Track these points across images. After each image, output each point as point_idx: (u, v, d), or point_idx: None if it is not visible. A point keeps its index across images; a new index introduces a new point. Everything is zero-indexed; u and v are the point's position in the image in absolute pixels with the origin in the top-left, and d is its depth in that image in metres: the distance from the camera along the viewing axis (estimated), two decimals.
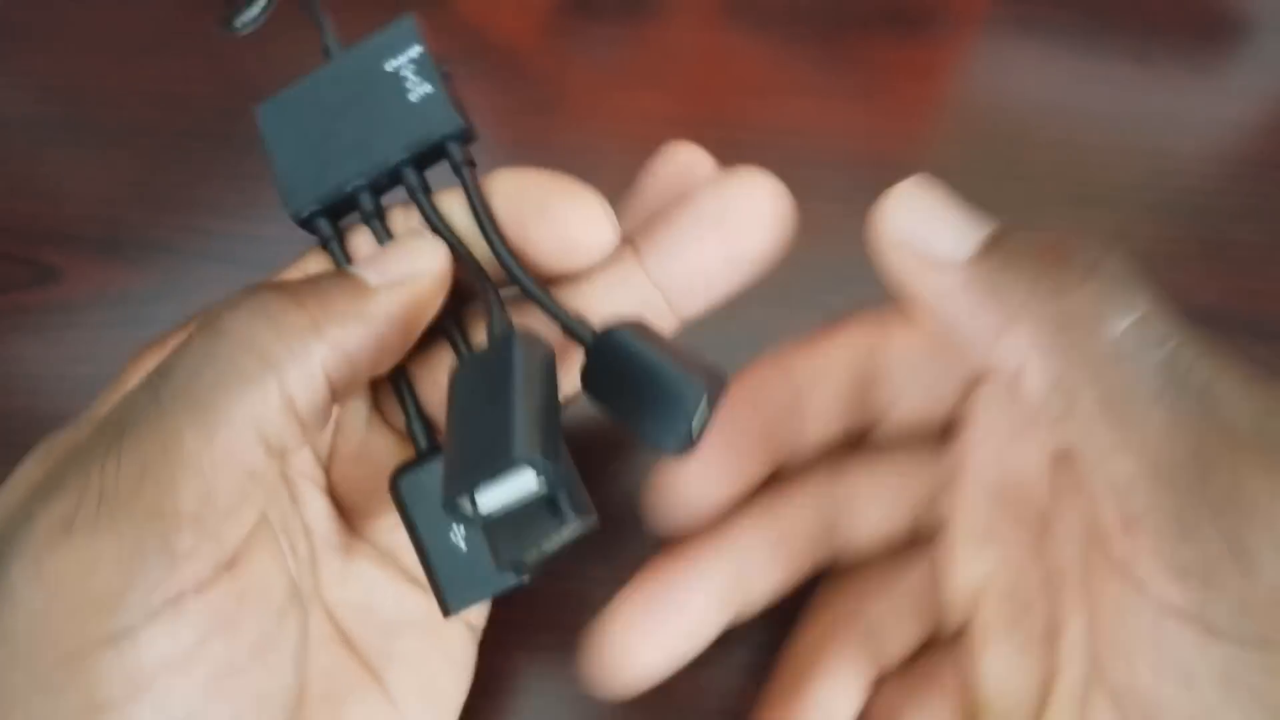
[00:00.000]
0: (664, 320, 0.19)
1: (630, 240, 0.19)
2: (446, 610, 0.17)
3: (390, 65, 0.19)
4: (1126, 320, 0.14)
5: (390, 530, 0.20)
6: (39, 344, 0.29)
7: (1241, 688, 0.13)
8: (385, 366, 0.17)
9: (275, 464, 0.16)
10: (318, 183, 0.18)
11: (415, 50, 0.19)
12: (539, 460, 0.14)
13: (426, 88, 0.18)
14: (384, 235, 0.19)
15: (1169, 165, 0.33)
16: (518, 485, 0.14)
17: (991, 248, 0.16)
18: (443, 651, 0.19)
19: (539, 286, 0.18)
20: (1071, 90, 0.36)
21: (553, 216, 0.18)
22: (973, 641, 0.18)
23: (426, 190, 0.19)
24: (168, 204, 0.32)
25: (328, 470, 0.20)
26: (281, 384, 0.15)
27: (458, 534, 0.17)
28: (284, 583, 0.17)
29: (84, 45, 0.37)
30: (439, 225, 0.18)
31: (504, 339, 0.16)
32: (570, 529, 0.15)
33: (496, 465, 0.14)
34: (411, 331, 0.17)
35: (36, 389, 0.28)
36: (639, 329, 0.17)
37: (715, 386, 0.16)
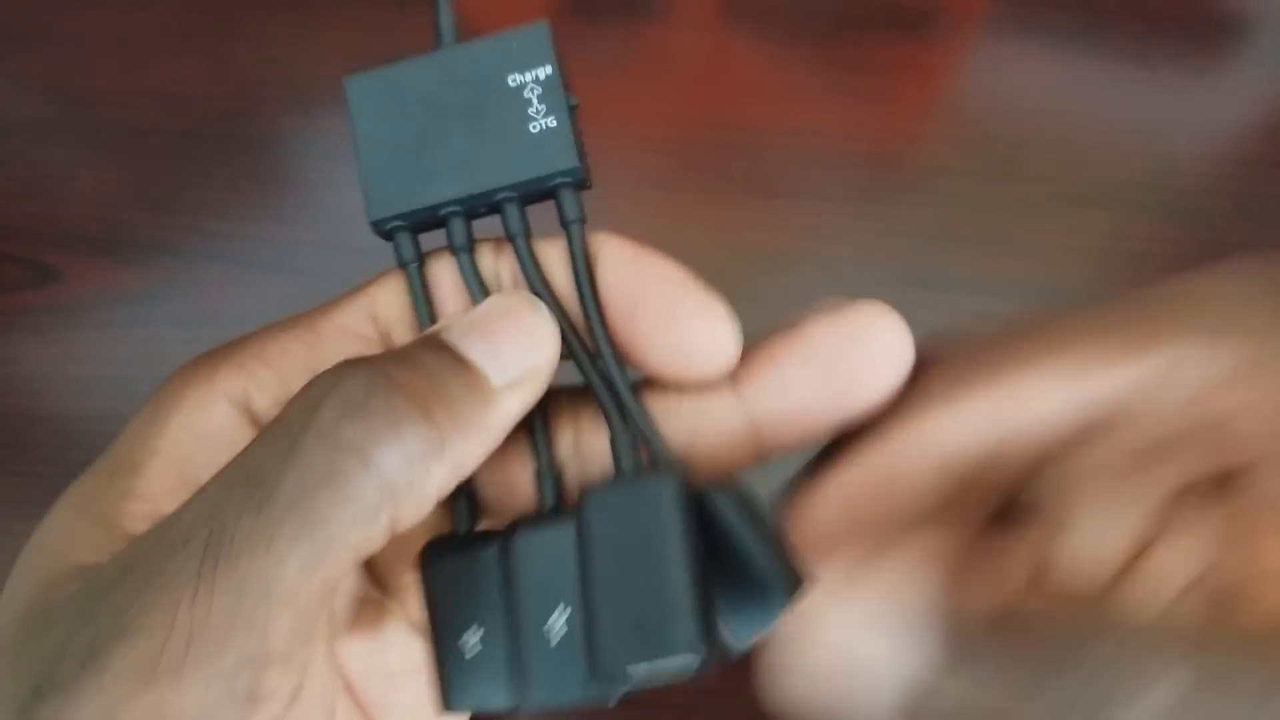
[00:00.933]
0: (744, 456, 0.17)
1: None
2: (446, 707, 0.16)
3: (514, 79, 0.17)
4: None
5: (401, 576, 0.19)
6: (39, 344, 0.29)
7: None
8: (475, 467, 0.16)
9: (356, 577, 0.15)
10: (407, 192, 0.17)
11: (545, 70, 0.17)
12: (702, 649, 0.13)
13: (551, 120, 0.16)
14: (471, 275, 0.17)
15: (1167, 165, 0.33)
16: (674, 664, 0.14)
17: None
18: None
19: (640, 403, 0.16)
20: (1070, 91, 0.36)
21: (673, 315, 0.16)
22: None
23: (527, 235, 0.17)
24: (168, 204, 0.32)
25: None
26: (396, 514, 0.14)
27: (474, 634, 0.16)
28: (335, 686, 0.16)
29: (85, 47, 0.37)
30: (541, 290, 0.16)
31: (663, 483, 0.15)
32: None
33: (658, 651, 0.13)
34: (509, 429, 0.16)
35: (36, 389, 0.28)
36: (743, 502, 0.15)
37: (797, 594, 0.15)
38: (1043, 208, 0.32)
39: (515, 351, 0.15)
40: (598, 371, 0.16)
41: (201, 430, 0.16)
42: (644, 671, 0.14)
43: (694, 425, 0.16)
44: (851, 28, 0.38)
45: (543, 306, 0.16)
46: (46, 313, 0.29)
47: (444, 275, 0.17)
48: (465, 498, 0.17)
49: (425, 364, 0.15)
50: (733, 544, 0.15)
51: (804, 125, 0.35)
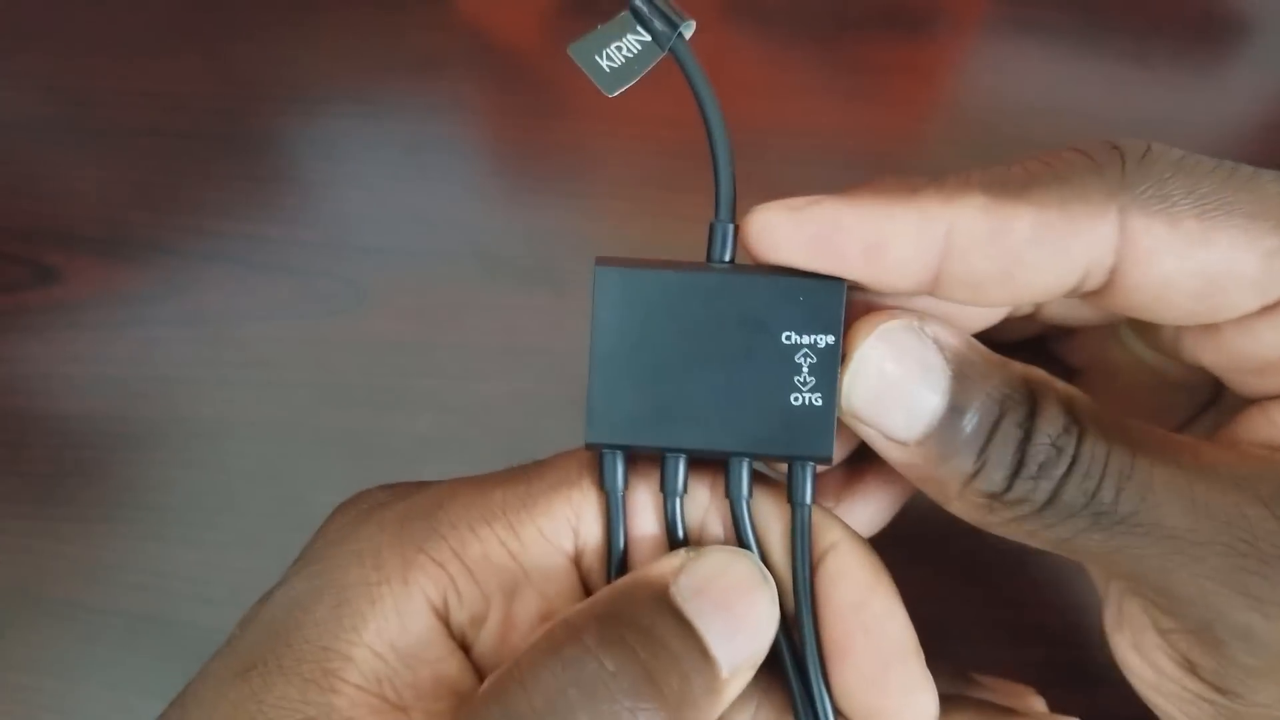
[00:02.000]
0: None
1: None
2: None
3: (789, 337, 0.15)
4: (1042, 494, 0.14)
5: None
6: (39, 343, 0.29)
7: None
8: None
9: None
10: (636, 425, 0.15)
11: (829, 339, 0.15)
12: None
13: (817, 398, 0.15)
14: (679, 522, 0.16)
15: None
16: None
17: (941, 429, 0.15)
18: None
19: None
20: (1069, 90, 0.36)
21: (885, 681, 0.15)
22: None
23: (750, 504, 0.16)
24: (168, 204, 0.32)
25: None
26: None
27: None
28: None
29: (86, 47, 0.37)
30: (759, 564, 0.15)
31: None
32: None
33: None
34: None
35: (35, 388, 0.28)
36: None
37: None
38: None
39: (746, 635, 0.15)
40: (795, 664, 0.15)
41: (403, 646, 0.15)
42: None
43: None
44: (852, 28, 0.38)
45: (772, 583, 0.15)
46: (46, 312, 0.29)
47: (641, 505, 0.16)
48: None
49: (661, 637, 0.14)
50: None
51: (804, 125, 0.35)
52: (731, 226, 0.16)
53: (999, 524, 0.15)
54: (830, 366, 0.15)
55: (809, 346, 0.15)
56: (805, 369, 0.15)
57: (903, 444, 0.15)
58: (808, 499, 0.15)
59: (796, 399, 0.15)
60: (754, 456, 0.15)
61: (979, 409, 0.14)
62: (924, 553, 0.23)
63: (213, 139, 0.34)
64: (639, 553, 0.16)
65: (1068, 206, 0.14)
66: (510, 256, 0.30)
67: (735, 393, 0.15)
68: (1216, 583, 0.14)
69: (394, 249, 0.31)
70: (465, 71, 0.33)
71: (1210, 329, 0.16)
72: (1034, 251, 0.14)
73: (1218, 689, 0.15)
